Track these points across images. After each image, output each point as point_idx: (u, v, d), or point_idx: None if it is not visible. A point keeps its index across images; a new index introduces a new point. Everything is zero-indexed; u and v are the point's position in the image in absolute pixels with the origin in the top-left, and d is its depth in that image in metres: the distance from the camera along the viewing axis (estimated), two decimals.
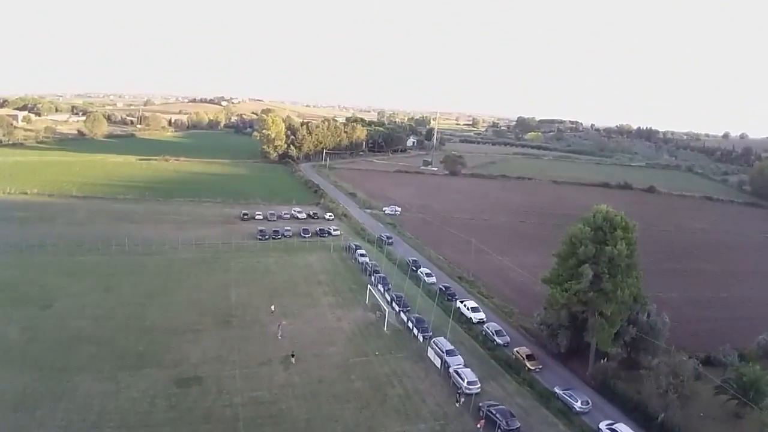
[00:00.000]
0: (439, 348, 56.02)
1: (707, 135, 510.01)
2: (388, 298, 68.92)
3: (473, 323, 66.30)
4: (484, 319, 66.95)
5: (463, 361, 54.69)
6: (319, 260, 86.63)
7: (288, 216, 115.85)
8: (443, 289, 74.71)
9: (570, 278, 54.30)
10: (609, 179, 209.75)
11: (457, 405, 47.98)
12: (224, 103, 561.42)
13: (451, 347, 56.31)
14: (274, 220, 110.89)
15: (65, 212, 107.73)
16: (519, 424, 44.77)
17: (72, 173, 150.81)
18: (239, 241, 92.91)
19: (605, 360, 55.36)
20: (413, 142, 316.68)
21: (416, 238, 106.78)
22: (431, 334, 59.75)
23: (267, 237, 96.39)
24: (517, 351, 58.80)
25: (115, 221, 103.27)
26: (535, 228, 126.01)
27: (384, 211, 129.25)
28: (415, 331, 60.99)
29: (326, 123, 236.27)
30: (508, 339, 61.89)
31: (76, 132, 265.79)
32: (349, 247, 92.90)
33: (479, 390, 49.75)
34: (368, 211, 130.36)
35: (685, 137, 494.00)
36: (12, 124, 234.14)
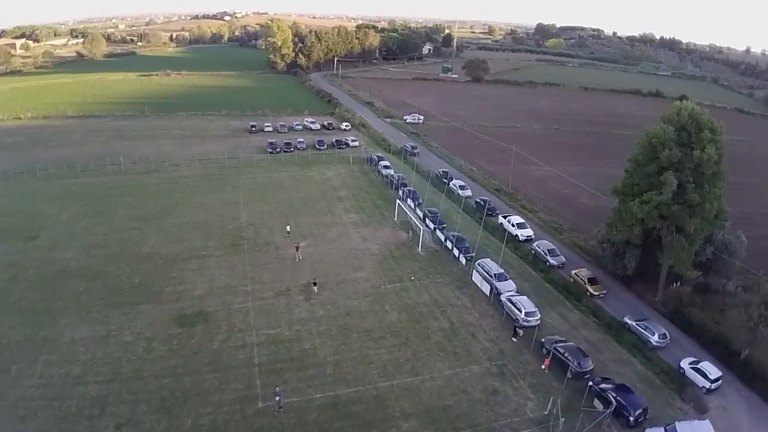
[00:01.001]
0: (485, 271, 47.44)
1: (728, 48, 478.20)
2: (420, 215, 59.76)
3: (520, 241, 57.40)
4: (533, 237, 58.01)
5: (515, 286, 46.28)
6: (338, 174, 77.01)
7: (300, 127, 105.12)
8: (481, 203, 65.11)
9: (648, 188, 44.37)
10: (639, 87, 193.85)
11: (514, 340, 39.90)
12: (227, 18, 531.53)
13: (501, 270, 47.71)
14: (285, 132, 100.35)
15: (59, 134, 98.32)
16: (592, 365, 36.61)
17: (69, 94, 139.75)
18: (247, 155, 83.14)
19: (677, 284, 46.99)
20: (429, 50, 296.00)
21: (444, 148, 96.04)
22: (474, 255, 50.94)
23: (278, 150, 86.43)
24: (575, 273, 50.12)
25: (111, 140, 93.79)
26: (573, 136, 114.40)
27: (405, 119, 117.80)
28: (456, 251, 52.17)
29: (336, 30, 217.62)
30: (563, 259, 53.07)
31: (75, 54, 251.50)
32: (371, 158, 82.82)
33: (539, 322, 41.49)
34: (388, 120, 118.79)
35: (708, 49, 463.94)
36: (9, 53, 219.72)
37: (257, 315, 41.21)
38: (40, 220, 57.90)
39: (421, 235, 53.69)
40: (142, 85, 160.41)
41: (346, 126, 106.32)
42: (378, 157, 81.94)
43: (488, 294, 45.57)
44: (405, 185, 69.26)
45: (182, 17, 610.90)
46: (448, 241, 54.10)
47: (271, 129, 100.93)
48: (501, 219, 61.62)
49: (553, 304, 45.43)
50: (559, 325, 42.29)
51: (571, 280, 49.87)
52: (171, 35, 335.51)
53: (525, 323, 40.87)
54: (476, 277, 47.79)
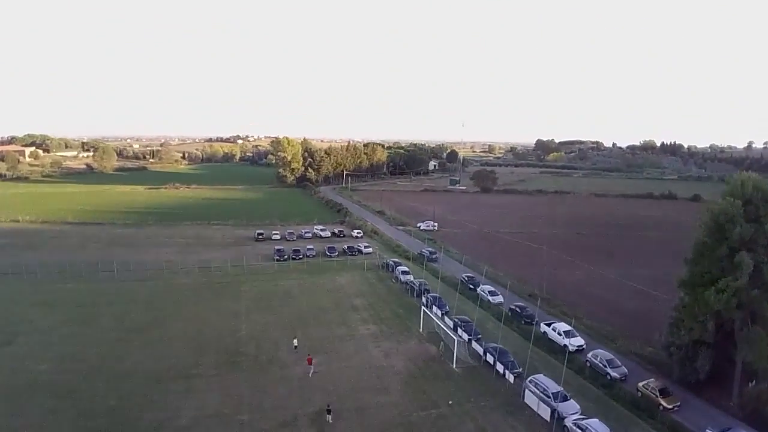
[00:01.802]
0: (541, 391, 38.14)
1: (730, 147, 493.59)
2: (450, 324, 51.23)
3: (570, 352, 48.30)
4: (584, 346, 49.12)
5: (579, 407, 36.89)
6: (352, 281, 69.44)
7: (309, 235, 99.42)
8: (517, 310, 56.85)
9: (721, 274, 37.57)
10: (650, 190, 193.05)
11: None
12: (240, 141, 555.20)
13: (559, 388, 38.50)
14: (293, 240, 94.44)
15: (55, 239, 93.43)
16: None
17: (72, 202, 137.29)
18: (253, 263, 76.43)
19: (752, 383, 38.89)
20: (435, 165, 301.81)
21: (464, 254, 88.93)
22: (520, 370, 41.86)
23: (286, 257, 79.76)
24: (644, 386, 40.89)
25: (109, 247, 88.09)
26: (597, 239, 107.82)
27: (419, 226, 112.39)
28: (499, 367, 43.02)
29: (345, 146, 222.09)
30: (625, 371, 43.96)
31: (84, 166, 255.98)
32: (387, 264, 75.74)
33: None
34: (400, 228, 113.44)
35: (709, 150, 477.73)
36: (17, 160, 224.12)
37: None
38: (17, 325, 51.57)
39: (456, 348, 44.94)
40: (149, 197, 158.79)
41: (357, 233, 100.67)
42: (395, 262, 74.91)
43: (549, 419, 36.03)
44: (428, 291, 61.39)
45: (197, 140, 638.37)
46: (488, 354, 45.14)
47: (278, 237, 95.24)
48: (544, 327, 52.98)
49: (626, 426, 35.82)
50: None
51: (639, 394, 40.66)
52: (183, 153, 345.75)
53: None
54: (530, 398, 38.47)
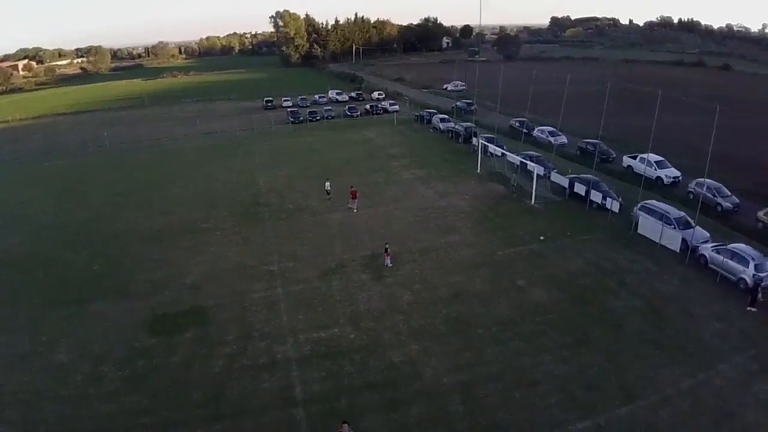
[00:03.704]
0: (660, 217, 28.63)
1: (744, 28, 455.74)
2: (518, 160, 40.90)
3: (665, 185, 38.62)
4: (680, 177, 39.22)
5: (708, 234, 27.50)
6: (381, 134, 58.92)
7: (324, 100, 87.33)
8: (589, 148, 46.50)
9: None
10: (680, 58, 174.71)
11: (753, 309, 21.86)
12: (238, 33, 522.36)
13: (681, 213, 29.30)
14: (307, 106, 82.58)
15: (44, 129, 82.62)
16: None
17: (66, 99, 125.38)
18: (264, 127, 65.67)
19: None
20: (448, 43, 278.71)
21: (504, 106, 77.01)
22: (621, 201, 32.04)
23: (301, 119, 68.85)
24: (765, 215, 31.12)
25: (101, 127, 77.13)
26: (647, 94, 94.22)
27: (446, 88, 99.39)
28: (596, 196, 33.15)
29: (353, 19, 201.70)
30: (737, 200, 34.35)
31: (79, 70, 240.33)
32: (421, 116, 64.60)
33: None
34: (425, 90, 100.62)
35: (726, 29, 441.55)
36: (11, 74, 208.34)
37: (294, 308, 22.85)
38: None
39: (534, 180, 34.98)
40: (146, 86, 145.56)
41: (379, 94, 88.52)
42: (429, 112, 63.73)
43: (678, 249, 26.62)
44: (476, 135, 50.78)
45: (194, 42, 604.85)
46: (576, 185, 35.21)
47: (290, 104, 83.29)
48: (628, 160, 42.98)
49: None
50: None
51: (760, 224, 30.96)
52: (180, 48, 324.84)
53: (759, 281, 21.99)
54: (646, 227, 28.97)
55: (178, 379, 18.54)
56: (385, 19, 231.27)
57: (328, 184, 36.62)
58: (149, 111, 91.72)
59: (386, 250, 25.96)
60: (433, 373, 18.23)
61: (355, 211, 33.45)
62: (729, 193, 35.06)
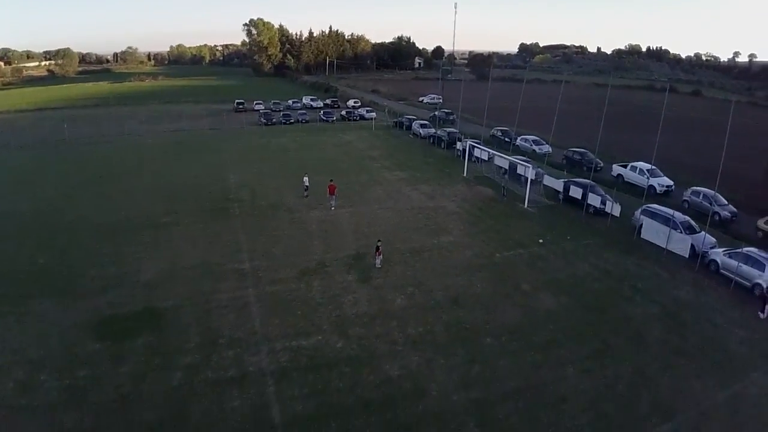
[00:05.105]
0: (664, 221, 26.78)
1: (713, 57, 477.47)
2: (506, 164, 38.70)
3: (657, 194, 37.31)
4: (673, 187, 38.03)
5: (714, 239, 25.87)
6: (360, 138, 56.25)
7: (299, 105, 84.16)
8: (576, 156, 45.14)
9: None
10: (650, 84, 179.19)
11: (763, 315, 20.04)
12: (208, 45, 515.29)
13: (685, 217, 28.04)
14: (280, 110, 79.25)
15: (3, 124, 76.55)
16: None
17: (29, 98, 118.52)
18: (234, 127, 62.18)
19: None
20: (420, 63, 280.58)
21: (483, 118, 75.57)
22: (619, 205, 30.03)
23: (274, 121, 65.59)
24: (765, 223, 29.87)
25: (62, 123, 72.15)
26: (622, 115, 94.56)
27: (422, 100, 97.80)
28: (594, 200, 31.04)
29: (327, 32, 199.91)
30: (734, 209, 33.16)
31: (46, 73, 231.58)
32: (401, 122, 62.32)
33: None
34: (401, 102, 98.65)
35: (694, 58, 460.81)
36: None
37: (268, 311, 19.57)
38: None
39: (528, 182, 32.75)
40: (112, 89, 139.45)
41: (355, 102, 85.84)
42: (409, 118, 61.50)
43: (687, 255, 24.64)
44: (460, 140, 48.64)
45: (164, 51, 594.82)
46: (571, 190, 33.10)
47: (262, 107, 79.83)
48: (618, 169, 41.59)
49: None
50: None
51: (760, 234, 29.59)
52: (149, 55, 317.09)
53: None
54: (651, 232, 26.93)
55: (127, 394, 14.98)
56: (359, 34, 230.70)
57: (306, 179, 33.48)
58: (114, 110, 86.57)
59: (377, 248, 22.98)
60: (439, 390, 15.23)
61: (332, 209, 30.37)
62: (726, 202, 33.73)
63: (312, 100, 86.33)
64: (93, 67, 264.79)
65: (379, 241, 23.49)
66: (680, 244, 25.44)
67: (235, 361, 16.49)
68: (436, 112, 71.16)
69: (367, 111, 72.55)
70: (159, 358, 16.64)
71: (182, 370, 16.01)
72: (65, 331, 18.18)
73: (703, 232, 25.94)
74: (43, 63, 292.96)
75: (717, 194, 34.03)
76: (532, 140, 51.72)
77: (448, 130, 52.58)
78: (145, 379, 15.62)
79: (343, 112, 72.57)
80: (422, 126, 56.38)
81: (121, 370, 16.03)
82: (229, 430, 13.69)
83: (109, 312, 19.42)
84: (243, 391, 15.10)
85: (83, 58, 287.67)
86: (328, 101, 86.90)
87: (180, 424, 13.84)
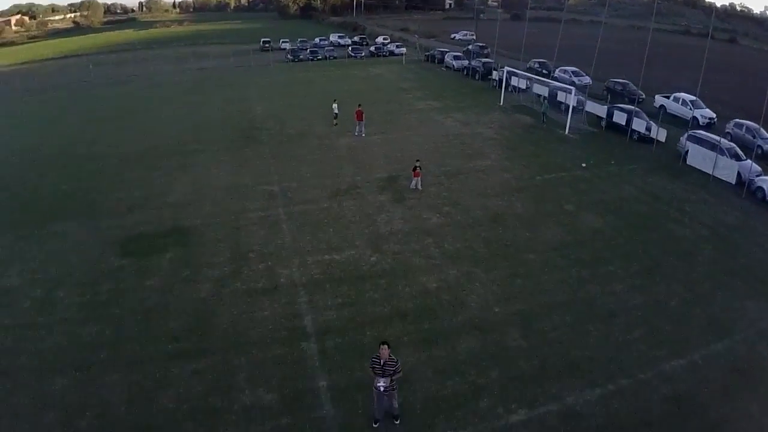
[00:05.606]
0: (710, 147, 24.84)
1: (746, 7, 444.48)
2: (546, 91, 36.54)
3: (700, 126, 34.87)
4: (715, 119, 35.50)
5: (760, 168, 23.96)
6: (390, 71, 54.20)
7: (326, 43, 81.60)
8: (617, 87, 42.56)
9: None
10: (687, 29, 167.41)
11: None
12: None
13: (731, 144, 26.25)
14: (307, 48, 76.93)
15: (31, 71, 76.58)
16: None
17: (56, 48, 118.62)
18: (261, 64, 60.63)
19: None
20: (450, 3, 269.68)
21: (521, 53, 71.99)
22: (653, 128, 28.02)
23: (301, 58, 63.74)
24: None
25: (86, 69, 71.78)
26: (666, 47, 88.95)
27: (453, 37, 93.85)
28: (639, 125, 29.07)
29: None
30: None
31: (71, 24, 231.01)
32: (432, 56, 59.76)
33: None
34: (432, 39, 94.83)
35: (728, 7, 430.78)
36: (3, 29, 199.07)
37: (299, 228, 18.85)
38: None
39: (570, 110, 30.82)
40: (138, 35, 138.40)
41: (384, 39, 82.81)
42: (442, 51, 58.84)
43: (734, 181, 22.92)
44: (497, 69, 46.24)
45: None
46: (615, 116, 31.08)
47: (288, 45, 77.64)
48: (660, 100, 38.82)
49: None
50: None
51: None
52: (174, 2, 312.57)
53: None
54: (697, 158, 25.04)
55: (152, 306, 14.55)
56: None
57: (335, 106, 32.20)
58: (140, 53, 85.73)
59: (416, 168, 21.79)
60: (479, 302, 14.36)
61: (363, 135, 29.17)
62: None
63: (340, 37, 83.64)
64: (118, 17, 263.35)
65: (417, 161, 22.29)
66: (727, 170, 23.78)
67: (266, 272, 15.92)
68: (470, 46, 68.04)
69: (397, 46, 69.87)
70: (187, 270, 16.18)
71: (211, 282, 15.52)
72: (88, 249, 17.80)
73: (748, 160, 24.15)
74: (68, 15, 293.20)
75: (760, 127, 31.73)
76: (572, 71, 48.81)
77: (483, 60, 50.00)
78: (172, 291, 15.18)
79: (372, 48, 70.09)
80: (455, 58, 53.91)
81: (146, 284, 15.60)
82: (259, 338, 13.15)
83: (135, 231, 19.00)
84: (274, 302, 14.52)
85: (108, 9, 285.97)
86: (356, 38, 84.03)
87: (207, 332, 13.35)
